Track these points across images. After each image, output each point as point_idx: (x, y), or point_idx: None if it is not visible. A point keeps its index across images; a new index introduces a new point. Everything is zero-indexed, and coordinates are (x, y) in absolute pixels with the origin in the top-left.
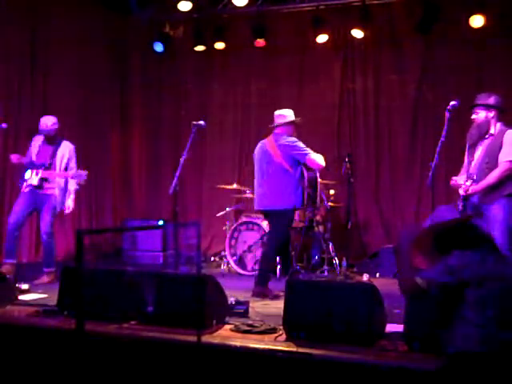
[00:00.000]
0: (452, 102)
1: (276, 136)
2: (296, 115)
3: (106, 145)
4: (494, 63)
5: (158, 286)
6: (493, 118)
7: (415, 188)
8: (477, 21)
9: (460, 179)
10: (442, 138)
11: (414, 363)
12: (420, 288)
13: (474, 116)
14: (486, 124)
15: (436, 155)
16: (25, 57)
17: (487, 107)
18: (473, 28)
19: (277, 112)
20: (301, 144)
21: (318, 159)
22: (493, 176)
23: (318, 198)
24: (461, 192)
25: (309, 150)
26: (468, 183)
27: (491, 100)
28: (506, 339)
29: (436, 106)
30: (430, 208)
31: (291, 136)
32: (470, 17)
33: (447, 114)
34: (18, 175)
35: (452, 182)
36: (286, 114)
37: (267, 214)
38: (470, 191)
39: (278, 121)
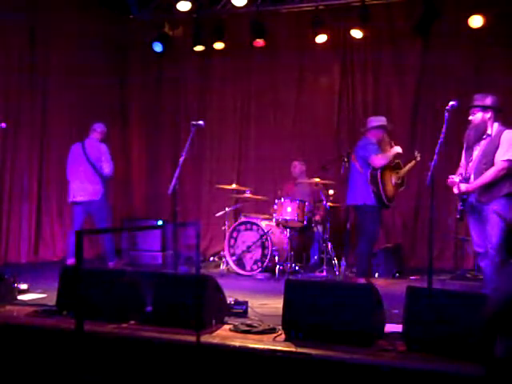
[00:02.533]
0: (451, 102)
1: (361, 138)
2: (295, 115)
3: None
4: (493, 63)
5: (157, 286)
6: (490, 118)
7: (414, 188)
8: (476, 21)
9: (457, 178)
10: (441, 138)
11: (412, 363)
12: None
13: (471, 117)
14: (483, 125)
15: (435, 155)
16: (24, 57)
17: (484, 108)
18: (472, 28)
19: (370, 118)
20: (371, 147)
21: (379, 159)
22: (488, 175)
23: (384, 196)
24: (455, 191)
25: (373, 152)
26: (457, 179)
27: (488, 101)
28: None
29: (435, 105)
30: (429, 208)
31: (379, 140)
32: (469, 17)
33: (446, 114)
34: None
35: (449, 181)
36: (376, 119)
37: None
38: (463, 189)
39: (368, 125)
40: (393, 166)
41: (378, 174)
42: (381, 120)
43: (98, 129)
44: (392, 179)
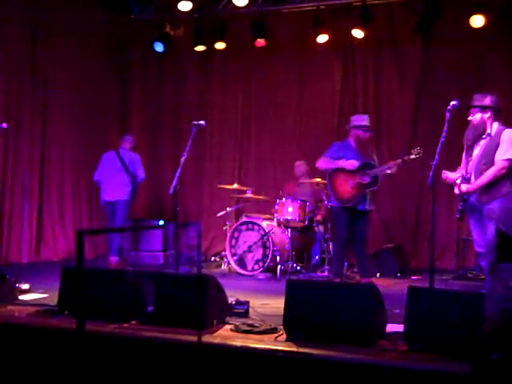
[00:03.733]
0: (452, 102)
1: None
2: (296, 115)
3: (107, 145)
4: (494, 63)
5: (158, 286)
6: (489, 118)
7: (415, 188)
8: (477, 21)
9: (452, 175)
10: (442, 138)
11: (414, 363)
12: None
13: (470, 117)
14: (482, 125)
15: (436, 155)
16: (25, 57)
17: (482, 108)
18: (473, 28)
19: (352, 116)
20: (332, 148)
21: (321, 161)
22: (488, 174)
23: (334, 197)
24: (456, 191)
25: (326, 153)
26: (458, 181)
27: (486, 101)
28: None
29: (436, 105)
30: (430, 208)
31: (359, 140)
32: (470, 17)
33: (447, 114)
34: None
35: (443, 176)
36: (356, 119)
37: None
38: (464, 190)
39: (349, 124)
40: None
41: (327, 176)
42: (361, 119)
43: (129, 139)
44: (349, 180)
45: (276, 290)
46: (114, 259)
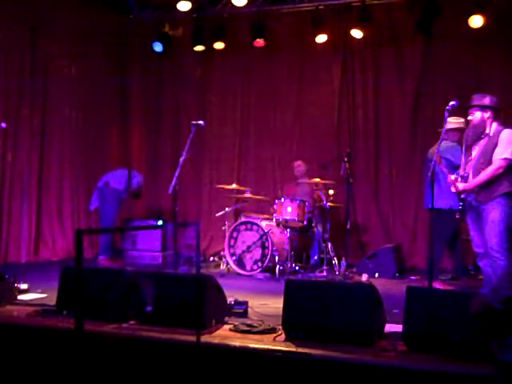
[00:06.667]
0: (451, 102)
1: (440, 140)
2: (295, 115)
3: (106, 144)
4: (494, 63)
5: (157, 286)
6: (488, 118)
7: (414, 188)
8: (476, 21)
9: (453, 176)
10: (441, 138)
11: (413, 363)
12: (487, 305)
13: (470, 117)
14: (482, 124)
15: (435, 155)
16: (25, 56)
17: (482, 108)
18: (472, 28)
19: (448, 118)
20: (456, 148)
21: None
22: (485, 173)
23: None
24: (453, 190)
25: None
26: (452, 177)
27: (486, 100)
28: None
29: (435, 105)
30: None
31: (454, 141)
32: (469, 17)
33: (446, 114)
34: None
35: (448, 180)
36: (452, 121)
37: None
38: (460, 188)
39: (447, 126)
40: None
41: None
42: (454, 121)
43: None
44: None
45: (275, 290)
46: (100, 258)
